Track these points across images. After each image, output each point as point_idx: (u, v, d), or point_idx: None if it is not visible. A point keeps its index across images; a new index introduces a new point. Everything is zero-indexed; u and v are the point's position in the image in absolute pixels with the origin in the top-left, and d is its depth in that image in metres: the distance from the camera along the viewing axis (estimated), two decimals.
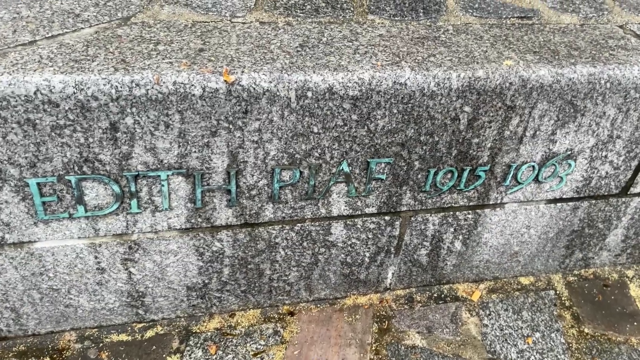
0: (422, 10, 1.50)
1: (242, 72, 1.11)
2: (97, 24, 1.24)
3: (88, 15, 1.27)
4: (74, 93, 1.03)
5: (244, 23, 1.33)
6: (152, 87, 1.06)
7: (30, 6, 1.29)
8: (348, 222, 1.43)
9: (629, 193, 1.60)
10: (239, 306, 1.54)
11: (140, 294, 1.42)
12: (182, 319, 1.51)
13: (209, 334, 1.48)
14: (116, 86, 1.04)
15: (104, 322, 1.45)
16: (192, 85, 1.08)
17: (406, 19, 1.46)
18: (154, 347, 1.43)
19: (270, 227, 1.38)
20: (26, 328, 1.41)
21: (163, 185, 1.20)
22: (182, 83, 1.08)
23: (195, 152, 1.17)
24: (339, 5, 1.48)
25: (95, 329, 1.45)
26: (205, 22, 1.32)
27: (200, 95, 1.09)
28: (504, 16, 1.52)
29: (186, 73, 1.08)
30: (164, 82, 1.07)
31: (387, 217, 1.46)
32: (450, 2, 1.56)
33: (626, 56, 1.38)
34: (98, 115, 1.07)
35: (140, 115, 1.09)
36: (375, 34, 1.36)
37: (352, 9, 1.47)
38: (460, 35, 1.39)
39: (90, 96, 1.04)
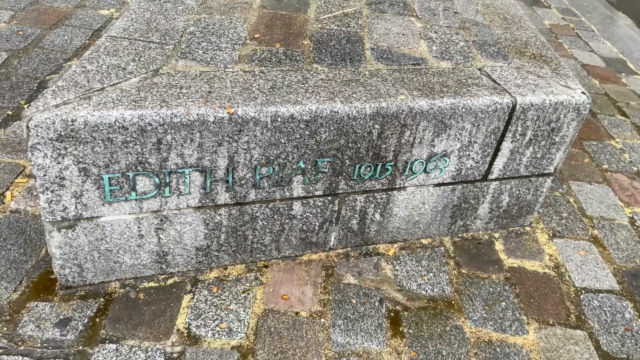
0: (349, 60, 2.25)
1: (238, 106, 1.82)
2: (138, 75, 1.91)
3: (131, 68, 1.94)
4: (137, 121, 1.71)
5: (233, 72, 2.04)
6: (184, 117, 1.75)
7: (90, 62, 1.95)
8: (304, 201, 2.15)
9: (488, 179, 2.42)
10: (230, 262, 2.24)
11: (164, 253, 2.08)
12: (191, 272, 2.19)
13: (211, 280, 2.16)
14: (163, 117, 1.73)
15: (139, 274, 2.11)
16: (208, 115, 1.78)
17: (338, 66, 2.20)
18: (174, 289, 2.10)
19: (253, 205, 2.08)
20: (85, 279, 2.04)
21: (186, 178, 1.89)
22: (201, 114, 1.77)
23: (207, 156, 1.86)
24: (294, 58, 2.21)
25: (132, 279, 2.11)
26: (208, 71, 2.01)
27: (212, 121, 1.79)
28: (403, 63, 2.30)
29: (204, 108, 1.78)
30: (191, 114, 1.76)
31: (329, 198, 2.19)
32: (368, 54, 2.33)
33: (477, 90, 2.18)
34: (150, 134, 1.74)
35: (176, 134, 1.77)
36: (318, 78, 2.10)
37: (302, 60, 2.21)
38: (373, 78, 2.16)
39: (147, 123, 1.72)
